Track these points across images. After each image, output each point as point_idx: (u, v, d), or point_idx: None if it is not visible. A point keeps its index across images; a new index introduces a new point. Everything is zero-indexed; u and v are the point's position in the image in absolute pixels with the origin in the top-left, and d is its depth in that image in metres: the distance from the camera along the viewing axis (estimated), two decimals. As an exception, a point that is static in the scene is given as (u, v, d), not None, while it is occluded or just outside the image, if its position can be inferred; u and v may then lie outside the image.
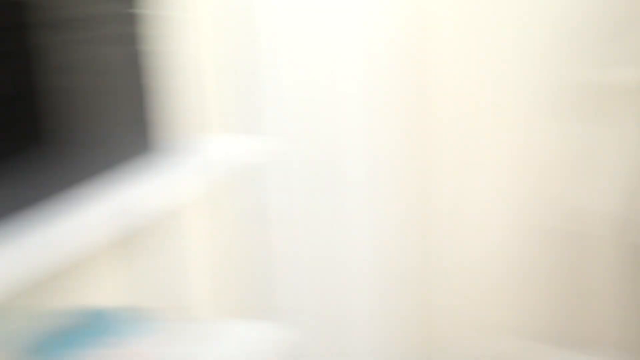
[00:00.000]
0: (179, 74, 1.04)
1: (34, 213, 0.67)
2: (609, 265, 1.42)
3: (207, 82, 1.12)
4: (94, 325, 0.82)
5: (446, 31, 1.35)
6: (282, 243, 1.25)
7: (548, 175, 1.43)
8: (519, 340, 1.45)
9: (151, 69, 0.82)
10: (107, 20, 0.74)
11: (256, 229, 1.24)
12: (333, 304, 1.25)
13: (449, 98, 1.38)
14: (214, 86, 1.13)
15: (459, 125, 1.39)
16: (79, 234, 0.65)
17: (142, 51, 0.80)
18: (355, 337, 1.24)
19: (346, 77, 1.17)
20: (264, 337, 0.98)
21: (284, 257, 1.26)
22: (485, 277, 1.43)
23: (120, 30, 0.76)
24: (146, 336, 0.85)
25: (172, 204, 1.02)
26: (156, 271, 1.00)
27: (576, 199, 1.40)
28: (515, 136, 1.42)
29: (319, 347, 1.26)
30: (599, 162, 1.41)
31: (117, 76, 0.77)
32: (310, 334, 1.26)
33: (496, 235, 1.42)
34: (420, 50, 1.32)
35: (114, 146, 0.77)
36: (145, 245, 0.99)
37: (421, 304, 1.36)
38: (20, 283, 0.81)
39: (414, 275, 1.33)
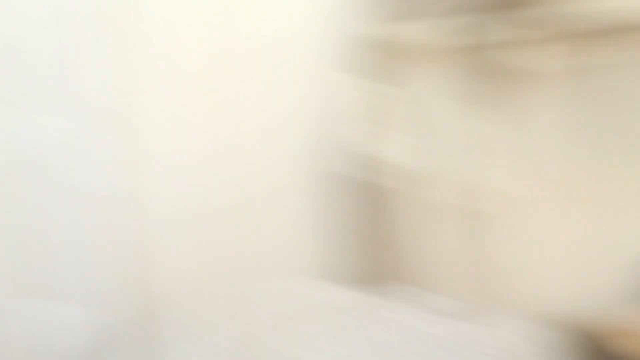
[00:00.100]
0: None
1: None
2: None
3: None
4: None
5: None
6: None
7: (326, 128, 1.45)
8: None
9: None
10: None
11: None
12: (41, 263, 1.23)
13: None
14: None
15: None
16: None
17: None
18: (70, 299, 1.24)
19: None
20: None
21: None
22: (203, 222, 1.43)
23: None
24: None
25: None
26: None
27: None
28: (298, 91, 1.43)
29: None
30: (390, 117, 1.43)
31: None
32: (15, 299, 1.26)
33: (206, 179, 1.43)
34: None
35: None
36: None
37: (139, 256, 1.35)
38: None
39: (128, 227, 1.32)
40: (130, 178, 1.36)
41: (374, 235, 1.48)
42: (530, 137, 1.42)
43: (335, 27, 1.42)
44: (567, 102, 1.41)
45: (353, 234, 1.46)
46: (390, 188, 1.45)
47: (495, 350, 1.00)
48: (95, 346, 1.23)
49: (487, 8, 1.37)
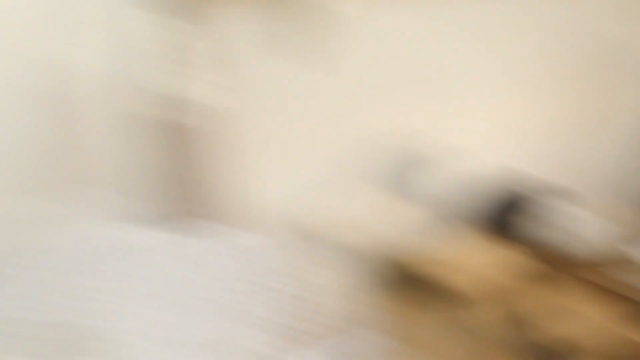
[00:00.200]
0: None
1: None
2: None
3: None
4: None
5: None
6: None
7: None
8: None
9: None
10: None
11: None
12: None
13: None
14: None
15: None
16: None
17: None
18: None
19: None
20: None
21: None
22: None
23: None
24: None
25: None
26: None
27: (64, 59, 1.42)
28: (98, 31, 1.41)
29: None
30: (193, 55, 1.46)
31: None
32: None
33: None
34: None
35: None
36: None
37: None
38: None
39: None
40: None
41: (177, 174, 1.48)
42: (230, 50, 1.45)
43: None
44: (263, 16, 1.45)
45: (156, 173, 1.46)
46: (192, 126, 1.46)
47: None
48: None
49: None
